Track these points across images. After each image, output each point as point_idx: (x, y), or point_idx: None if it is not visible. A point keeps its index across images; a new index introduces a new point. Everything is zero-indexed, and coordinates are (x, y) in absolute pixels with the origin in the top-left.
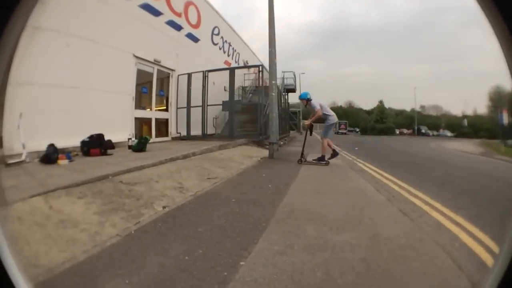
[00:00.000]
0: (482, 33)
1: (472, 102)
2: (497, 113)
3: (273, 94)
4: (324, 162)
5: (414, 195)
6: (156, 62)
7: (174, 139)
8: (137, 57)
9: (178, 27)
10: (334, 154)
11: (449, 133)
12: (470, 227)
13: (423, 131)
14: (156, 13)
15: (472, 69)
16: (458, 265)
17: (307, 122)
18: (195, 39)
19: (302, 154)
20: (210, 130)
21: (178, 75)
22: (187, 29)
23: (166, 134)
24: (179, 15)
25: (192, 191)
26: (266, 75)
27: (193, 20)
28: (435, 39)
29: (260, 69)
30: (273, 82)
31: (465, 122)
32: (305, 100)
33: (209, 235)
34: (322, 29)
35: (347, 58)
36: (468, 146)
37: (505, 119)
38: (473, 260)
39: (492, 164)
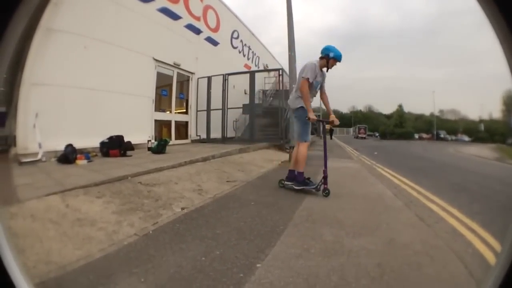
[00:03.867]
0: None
1: (488, 106)
2: (509, 117)
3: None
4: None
5: (432, 200)
6: (176, 65)
7: (193, 141)
8: (156, 60)
9: (197, 31)
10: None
11: (466, 138)
12: (484, 233)
13: (442, 135)
14: (175, 16)
15: (489, 73)
16: (470, 272)
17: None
18: (214, 43)
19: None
20: (230, 133)
21: (198, 78)
22: (206, 32)
23: (186, 137)
24: (198, 19)
25: (211, 194)
26: (286, 78)
27: (212, 24)
28: (452, 42)
29: (280, 73)
30: (293, 86)
31: (482, 126)
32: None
33: (227, 237)
34: (342, 32)
35: (366, 62)
36: (484, 151)
37: None
38: (484, 266)
39: (506, 169)
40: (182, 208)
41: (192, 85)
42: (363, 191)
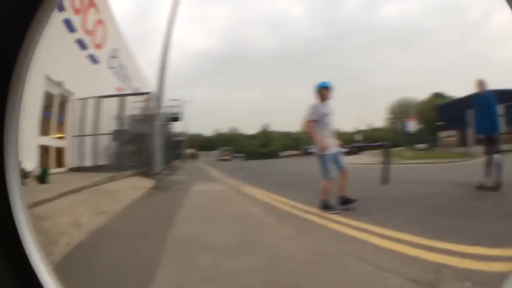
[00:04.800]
0: (390, 54)
1: (367, 118)
2: (400, 123)
3: (158, 123)
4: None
5: (308, 211)
6: (59, 84)
7: (71, 170)
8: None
9: (83, 46)
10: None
11: (342, 149)
12: (381, 230)
13: (312, 150)
14: (71, 28)
15: (371, 87)
16: (379, 267)
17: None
18: (95, 61)
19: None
20: (103, 161)
21: (76, 100)
22: (91, 49)
23: (63, 165)
24: (89, 33)
25: (87, 227)
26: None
27: (99, 40)
28: (336, 62)
29: (148, 97)
30: (158, 110)
31: (359, 136)
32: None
33: (110, 274)
34: (215, 55)
35: (235, 85)
36: (365, 159)
37: (412, 127)
38: (394, 258)
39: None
40: (66, 245)
41: (71, 107)
42: (233, 212)
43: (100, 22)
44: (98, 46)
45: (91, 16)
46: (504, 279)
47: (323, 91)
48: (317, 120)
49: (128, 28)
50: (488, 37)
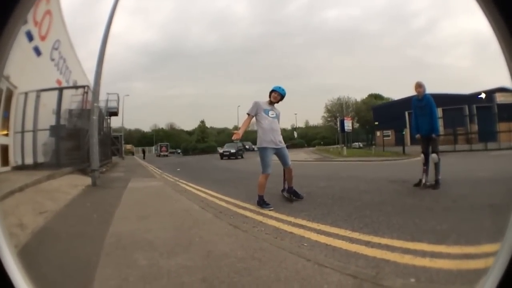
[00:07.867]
0: (330, 54)
1: (304, 115)
2: (336, 121)
3: (95, 117)
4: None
5: (243, 207)
6: (5, 78)
7: (14, 168)
8: None
9: (31, 38)
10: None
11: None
12: (318, 226)
13: (247, 146)
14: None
15: (309, 86)
16: (317, 262)
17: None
18: (38, 53)
19: None
20: (41, 158)
21: (19, 94)
22: (36, 41)
23: (7, 163)
24: (36, 24)
25: (30, 228)
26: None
27: (44, 31)
28: (275, 60)
29: (86, 90)
30: (95, 104)
31: (295, 134)
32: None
33: (52, 276)
34: (156, 49)
35: (173, 80)
36: (300, 155)
37: (349, 126)
38: (332, 254)
39: (328, 165)
40: (15, 246)
41: (15, 102)
42: (169, 209)
43: (48, 12)
44: (43, 37)
45: (42, 7)
46: (479, 278)
47: (273, 93)
48: (253, 115)
49: (71, 19)
50: (431, 45)
